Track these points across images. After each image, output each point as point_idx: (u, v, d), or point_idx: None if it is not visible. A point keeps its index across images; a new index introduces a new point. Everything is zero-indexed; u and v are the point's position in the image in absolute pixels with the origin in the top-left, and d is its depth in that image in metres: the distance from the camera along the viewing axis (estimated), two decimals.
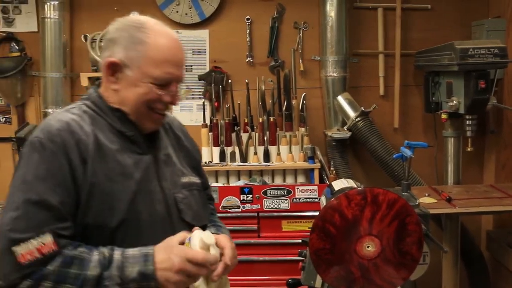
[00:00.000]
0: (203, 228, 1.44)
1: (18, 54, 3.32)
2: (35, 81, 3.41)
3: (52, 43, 3.26)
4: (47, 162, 1.27)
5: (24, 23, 3.36)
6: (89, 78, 3.17)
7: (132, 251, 1.27)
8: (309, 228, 1.31)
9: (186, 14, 3.35)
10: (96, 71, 3.21)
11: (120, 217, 1.32)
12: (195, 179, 1.55)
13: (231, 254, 1.35)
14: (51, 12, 3.23)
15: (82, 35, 3.26)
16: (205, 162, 3.08)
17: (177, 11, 3.34)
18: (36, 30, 3.35)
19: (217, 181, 3.11)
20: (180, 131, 1.62)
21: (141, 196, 1.36)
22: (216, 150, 3.15)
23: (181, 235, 1.32)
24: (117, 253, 1.26)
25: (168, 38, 1.38)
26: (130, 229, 1.33)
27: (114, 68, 1.37)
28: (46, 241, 1.21)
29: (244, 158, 3.12)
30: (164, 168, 1.45)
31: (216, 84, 3.31)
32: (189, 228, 1.39)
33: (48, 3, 3.22)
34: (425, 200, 2.67)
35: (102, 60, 1.39)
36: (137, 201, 1.35)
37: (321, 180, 3.09)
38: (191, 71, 3.42)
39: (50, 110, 3.30)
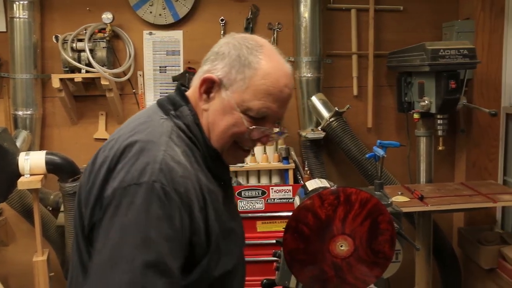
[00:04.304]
0: None
1: None
2: (4, 82, 3.33)
3: (22, 43, 3.18)
4: (171, 218, 1.05)
5: None
6: (61, 79, 3.12)
7: None
8: (283, 228, 1.31)
9: (160, 15, 3.32)
10: (67, 72, 3.17)
11: (235, 261, 1.26)
12: None
13: None
14: (20, 12, 3.15)
15: (54, 36, 3.20)
16: None
17: (150, 12, 3.31)
18: (4, 30, 3.27)
19: None
20: None
21: (235, 237, 1.30)
22: None
23: None
24: None
25: (281, 70, 1.21)
26: (237, 272, 1.30)
27: (209, 85, 1.21)
28: None
29: None
30: (232, 203, 1.39)
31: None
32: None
33: (17, 3, 3.14)
34: (398, 198, 2.71)
35: (200, 73, 1.23)
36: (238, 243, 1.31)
37: (296, 181, 3.11)
38: (165, 72, 3.40)
39: (20, 112, 3.23)
